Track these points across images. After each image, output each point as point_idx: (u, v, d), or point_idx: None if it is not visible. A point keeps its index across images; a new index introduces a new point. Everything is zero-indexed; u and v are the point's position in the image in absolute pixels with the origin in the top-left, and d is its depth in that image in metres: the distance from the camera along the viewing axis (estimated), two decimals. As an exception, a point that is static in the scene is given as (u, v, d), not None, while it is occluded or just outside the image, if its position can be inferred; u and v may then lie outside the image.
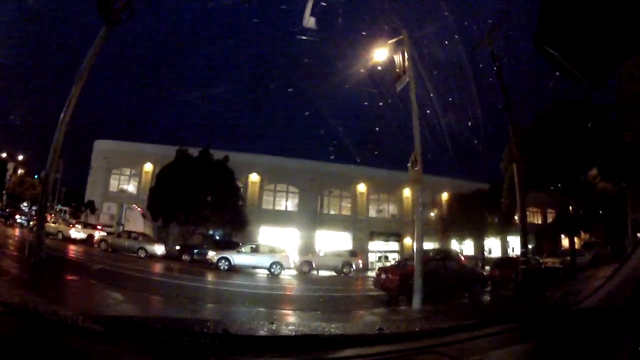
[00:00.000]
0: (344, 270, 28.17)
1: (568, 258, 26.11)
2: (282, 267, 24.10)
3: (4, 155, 44.29)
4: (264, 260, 24.21)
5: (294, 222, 41.15)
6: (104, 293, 10.32)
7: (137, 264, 20.38)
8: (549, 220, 44.39)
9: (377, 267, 24.20)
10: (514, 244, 42.25)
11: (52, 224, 27.53)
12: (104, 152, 41.48)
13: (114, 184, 42.07)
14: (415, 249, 12.13)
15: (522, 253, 17.05)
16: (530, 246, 39.97)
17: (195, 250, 27.72)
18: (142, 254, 24.99)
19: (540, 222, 46.27)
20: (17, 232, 15.52)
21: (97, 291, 10.35)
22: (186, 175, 31.68)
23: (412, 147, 13.04)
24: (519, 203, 17.45)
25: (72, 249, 22.32)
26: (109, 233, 28.47)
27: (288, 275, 24.30)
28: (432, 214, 41.41)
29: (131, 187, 41.91)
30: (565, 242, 43.17)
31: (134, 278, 15.10)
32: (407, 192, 43.58)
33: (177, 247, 29.27)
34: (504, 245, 43.52)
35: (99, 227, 30.57)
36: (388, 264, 27.02)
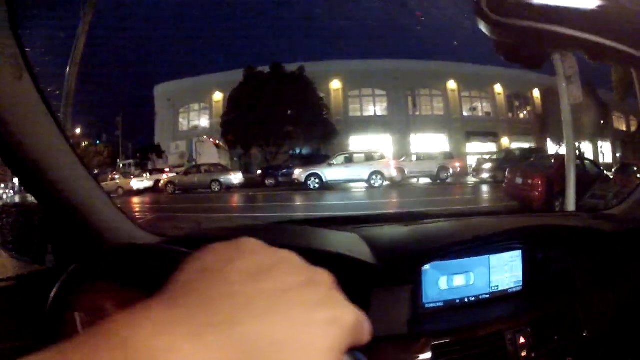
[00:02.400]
0: (441, 176, 23.40)
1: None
2: (383, 178, 19.28)
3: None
4: (361, 171, 19.48)
5: (386, 128, 36.15)
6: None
7: (207, 201, 16.25)
8: (632, 129, 38.07)
9: (507, 170, 18.78)
10: (605, 150, 38.63)
11: (110, 182, 23.85)
12: (167, 94, 38.38)
13: (183, 124, 39.07)
14: (566, 143, 8.28)
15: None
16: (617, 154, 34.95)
17: (280, 172, 23.10)
18: (215, 187, 20.72)
19: (625, 129, 40.32)
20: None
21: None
22: (259, 93, 27.80)
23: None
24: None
25: (133, 202, 18.36)
26: (177, 174, 24.12)
27: (386, 187, 19.36)
28: (525, 112, 40.05)
29: (203, 122, 38.47)
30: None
31: (196, 221, 10.91)
32: (498, 88, 38.66)
33: (258, 172, 24.71)
34: (595, 151, 37.93)
35: (166, 170, 26.82)
36: (486, 166, 22.26)
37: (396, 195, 17.35)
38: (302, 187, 18.96)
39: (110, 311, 0.92)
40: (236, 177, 21.75)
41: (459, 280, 1.45)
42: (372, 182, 19.04)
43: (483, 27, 0.69)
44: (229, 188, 20.94)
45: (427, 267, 1.37)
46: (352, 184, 19.68)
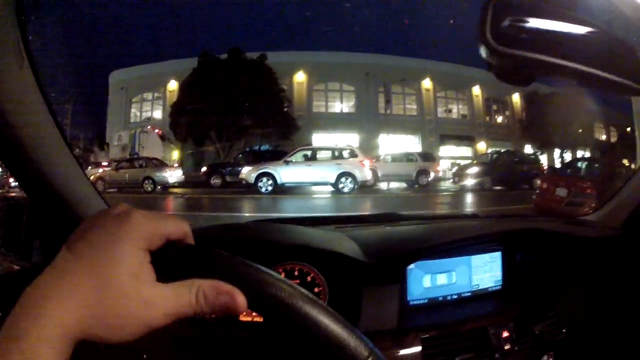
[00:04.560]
0: (420, 181, 19.78)
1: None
2: (355, 181, 15.28)
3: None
4: (327, 172, 15.52)
5: (353, 126, 32.89)
6: None
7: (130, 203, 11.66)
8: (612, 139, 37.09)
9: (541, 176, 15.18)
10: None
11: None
12: (121, 83, 34.54)
13: (135, 114, 35.25)
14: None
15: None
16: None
17: (228, 169, 18.95)
18: (148, 186, 16.83)
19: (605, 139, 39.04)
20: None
21: None
22: (213, 81, 24.61)
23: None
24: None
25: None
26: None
27: (358, 193, 15.28)
28: (503, 117, 38.71)
29: (157, 113, 34.76)
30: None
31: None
32: (476, 90, 36.34)
33: (203, 169, 20.47)
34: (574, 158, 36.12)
35: (104, 163, 22.94)
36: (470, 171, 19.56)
37: (375, 205, 13.48)
38: (252, 189, 15.24)
39: None
40: (173, 175, 17.85)
41: (442, 279, 1.46)
42: (341, 185, 15.24)
43: (483, 52, 0.74)
44: (165, 187, 17.28)
45: (412, 266, 1.38)
46: (314, 188, 16.07)
